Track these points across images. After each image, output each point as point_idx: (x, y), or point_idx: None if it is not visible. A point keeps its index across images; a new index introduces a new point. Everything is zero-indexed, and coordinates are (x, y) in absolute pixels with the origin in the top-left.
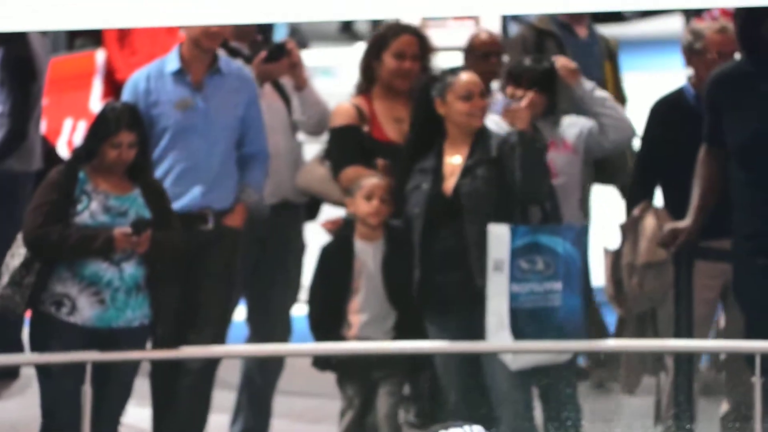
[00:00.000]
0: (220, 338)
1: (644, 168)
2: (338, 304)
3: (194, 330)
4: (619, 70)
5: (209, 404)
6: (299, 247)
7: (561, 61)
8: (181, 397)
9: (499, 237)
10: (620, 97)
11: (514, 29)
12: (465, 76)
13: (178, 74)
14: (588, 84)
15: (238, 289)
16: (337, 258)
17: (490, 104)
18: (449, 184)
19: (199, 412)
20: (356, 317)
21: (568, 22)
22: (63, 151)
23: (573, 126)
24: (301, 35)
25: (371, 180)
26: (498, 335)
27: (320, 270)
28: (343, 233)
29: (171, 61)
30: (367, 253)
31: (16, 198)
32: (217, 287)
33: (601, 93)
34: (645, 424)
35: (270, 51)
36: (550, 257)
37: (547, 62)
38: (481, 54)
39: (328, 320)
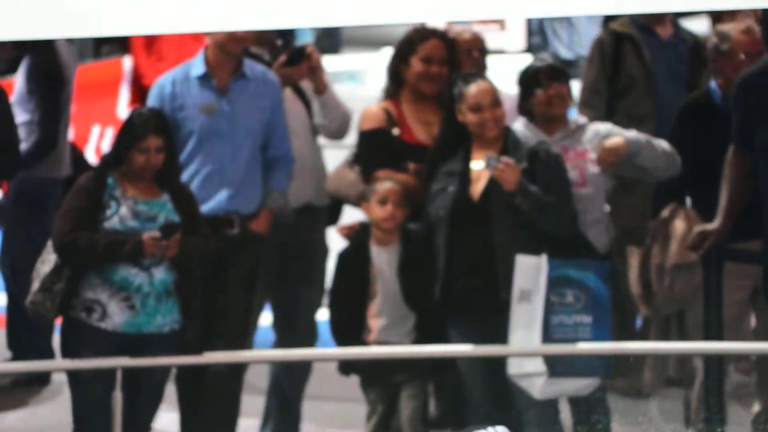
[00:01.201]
0: (243, 343)
1: None
2: (357, 308)
3: (218, 335)
4: (707, 67)
5: (238, 409)
6: (322, 251)
7: (602, 153)
8: (207, 402)
9: (527, 268)
10: None
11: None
12: (475, 87)
13: (204, 78)
14: (632, 142)
15: (263, 293)
16: (354, 263)
17: (504, 112)
18: (476, 188)
19: (228, 416)
20: (375, 321)
21: (648, 22)
22: (91, 157)
23: (611, 133)
24: (330, 40)
25: (386, 184)
26: (525, 365)
27: (338, 275)
28: (359, 238)
29: (196, 66)
30: (383, 258)
31: (45, 205)
32: (240, 292)
33: (646, 143)
34: (675, 427)
35: (289, 55)
36: (579, 291)
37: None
38: (464, 50)
39: (348, 325)
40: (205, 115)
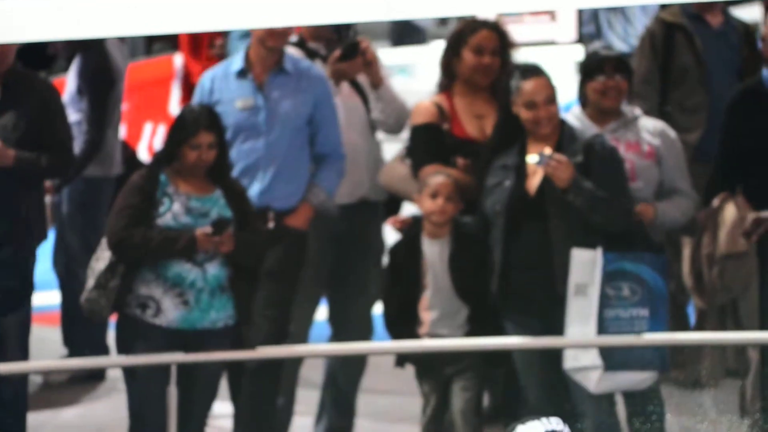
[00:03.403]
0: (282, 338)
1: (724, 159)
2: (409, 301)
3: (252, 329)
4: (758, 56)
5: (292, 403)
6: (378, 246)
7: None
8: (246, 398)
9: (583, 262)
10: None
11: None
12: (531, 83)
13: (241, 74)
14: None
15: (318, 288)
16: (406, 256)
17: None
18: (532, 183)
19: (275, 410)
20: (426, 314)
21: (698, 11)
22: (144, 155)
23: (661, 136)
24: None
25: (437, 178)
26: (580, 359)
27: (390, 268)
28: (411, 231)
29: (236, 62)
30: (434, 251)
31: (98, 203)
32: (277, 287)
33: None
34: (731, 418)
35: (343, 49)
36: (635, 284)
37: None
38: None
39: (400, 318)
40: (240, 110)
